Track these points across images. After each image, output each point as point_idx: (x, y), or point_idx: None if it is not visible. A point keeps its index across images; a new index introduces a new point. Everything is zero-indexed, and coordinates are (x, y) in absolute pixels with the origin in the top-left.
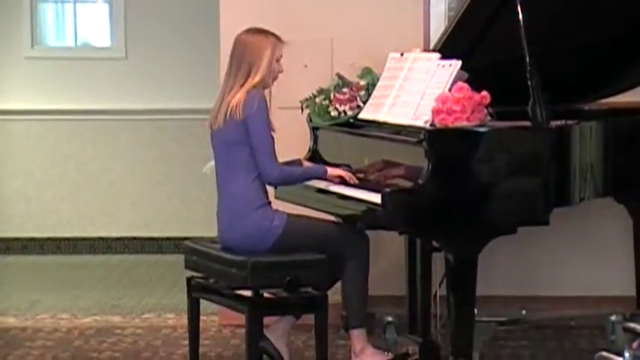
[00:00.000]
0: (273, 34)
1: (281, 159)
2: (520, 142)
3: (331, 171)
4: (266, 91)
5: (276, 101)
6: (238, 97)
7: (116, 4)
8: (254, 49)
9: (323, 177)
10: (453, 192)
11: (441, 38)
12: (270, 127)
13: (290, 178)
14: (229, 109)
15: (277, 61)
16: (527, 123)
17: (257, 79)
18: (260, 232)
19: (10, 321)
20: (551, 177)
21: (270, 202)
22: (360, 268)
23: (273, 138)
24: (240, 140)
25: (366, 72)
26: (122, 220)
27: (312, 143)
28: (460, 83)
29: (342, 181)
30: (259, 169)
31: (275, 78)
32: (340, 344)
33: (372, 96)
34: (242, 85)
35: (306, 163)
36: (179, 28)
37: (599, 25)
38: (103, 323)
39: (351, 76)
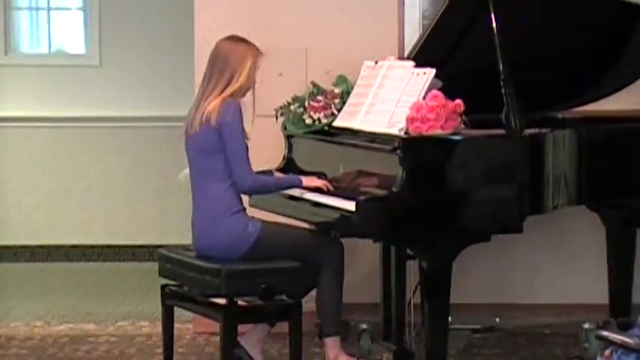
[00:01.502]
0: (253, 45)
1: (256, 167)
2: (494, 150)
3: (306, 181)
4: (248, 99)
5: (251, 109)
6: (214, 104)
7: (91, 12)
8: (237, 58)
9: (298, 187)
10: (427, 200)
11: (415, 46)
12: (244, 136)
13: (264, 188)
14: (204, 115)
15: (255, 71)
16: (501, 131)
17: (236, 87)
18: (234, 239)
19: None
20: (525, 185)
21: (244, 209)
22: (335, 275)
23: (247, 146)
24: (215, 147)
25: (341, 80)
26: (97, 227)
27: (286, 151)
28: (434, 91)
29: (317, 189)
30: (234, 178)
31: (249, 88)
32: (315, 352)
33: (347, 104)
34: (221, 93)
35: (278, 174)
36: (154, 35)
37: (573, 33)
38: (77, 331)
39: (326, 84)
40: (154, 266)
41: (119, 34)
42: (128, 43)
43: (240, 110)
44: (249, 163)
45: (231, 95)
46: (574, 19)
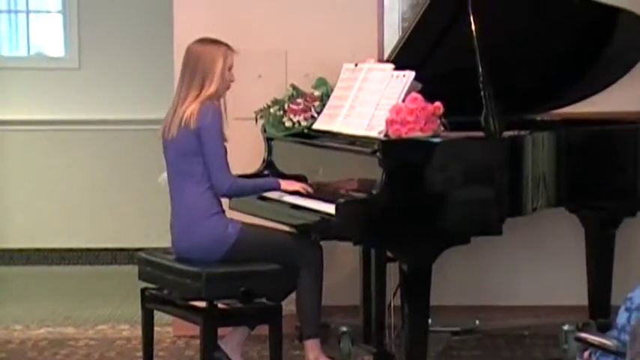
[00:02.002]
0: (224, 44)
1: (236, 170)
2: (473, 152)
3: (285, 185)
4: (221, 102)
5: (230, 112)
6: (192, 107)
7: (70, 14)
8: (206, 60)
9: (277, 190)
10: (407, 202)
11: (394, 49)
12: (223, 139)
13: (243, 190)
14: (183, 119)
15: (229, 70)
16: (481, 133)
17: (211, 89)
18: (213, 240)
19: None
20: (504, 187)
21: (223, 211)
22: (314, 278)
23: (225, 149)
24: (194, 150)
25: (321, 82)
26: (76, 230)
27: (266, 154)
28: (414, 94)
29: (297, 192)
30: (212, 181)
31: (227, 87)
32: (295, 354)
33: (327, 106)
34: (197, 96)
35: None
36: (133, 38)
37: (552, 35)
38: (56, 335)
39: (306, 87)
40: (134, 269)
41: (98, 37)
42: (107, 45)
43: (220, 113)
44: (227, 166)
45: (209, 98)
46: (552, 22)
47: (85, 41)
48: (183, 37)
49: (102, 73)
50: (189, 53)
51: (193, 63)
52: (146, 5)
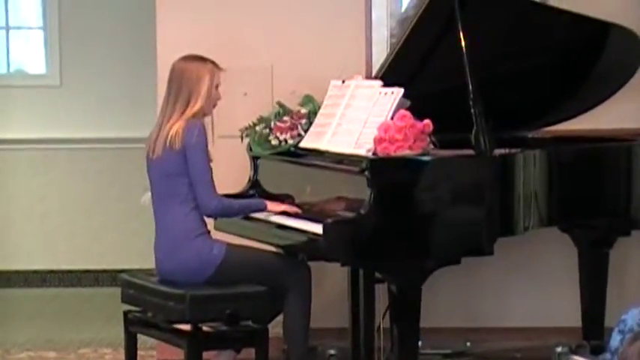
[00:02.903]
0: (210, 61)
1: (222, 189)
2: (463, 170)
3: (271, 206)
4: (207, 120)
5: (215, 130)
6: (177, 126)
7: (51, 30)
8: (192, 77)
9: (263, 211)
10: (396, 222)
11: (383, 65)
12: (208, 158)
13: (229, 211)
14: (168, 138)
15: (216, 88)
16: (471, 151)
17: (197, 107)
18: (198, 262)
19: None
20: (495, 206)
21: (209, 232)
22: (302, 300)
23: (211, 169)
24: (179, 170)
25: (307, 100)
26: (57, 252)
27: (252, 173)
28: (402, 111)
29: (282, 212)
30: (197, 201)
31: (214, 106)
32: None
33: (314, 124)
34: (182, 114)
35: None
36: (115, 55)
37: (543, 52)
38: (37, 359)
39: (292, 104)
40: (117, 292)
41: (80, 54)
42: (89, 62)
43: (205, 131)
44: (213, 186)
45: (194, 116)
46: (543, 38)
47: (66, 58)
48: (167, 54)
49: (84, 90)
50: (174, 71)
51: (178, 81)
52: (129, 22)
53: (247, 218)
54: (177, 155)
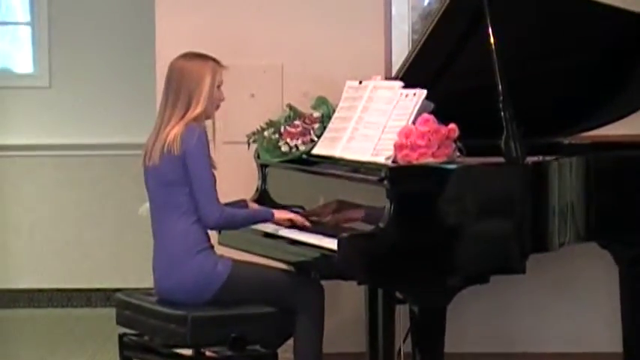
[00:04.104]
0: (211, 58)
1: (224, 200)
2: (492, 180)
3: (279, 214)
4: (209, 123)
5: (219, 135)
6: (176, 130)
7: (40, 27)
8: (192, 77)
9: (270, 220)
10: (418, 236)
11: (404, 64)
12: (211, 165)
13: (233, 222)
14: (166, 143)
15: (218, 87)
16: (501, 159)
17: (198, 110)
18: (201, 280)
19: None
20: (527, 219)
21: (212, 246)
22: (314, 322)
23: (214, 176)
24: (178, 179)
25: (321, 102)
26: (46, 268)
27: (260, 182)
28: (425, 115)
29: (293, 225)
30: (199, 212)
31: (216, 107)
32: None
33: (327, 129)
34: (182, 117)
35: (253, 205)
36: (110, 53)
37: (581, 50)
38: None
39: (304, 107)
40: (111, 312)
41: (72, 52)
42: (82, 61)
43: (206, 136)
44: (216, 195)
45: (195, 119)
46: (581, 35)
47: (56, 56)
48: (166, 52)
49: (75, 91)
50: (172, 70)
51: (177, 81)
52: (125, 17)
53: (255, 233)
54: (176, 162)
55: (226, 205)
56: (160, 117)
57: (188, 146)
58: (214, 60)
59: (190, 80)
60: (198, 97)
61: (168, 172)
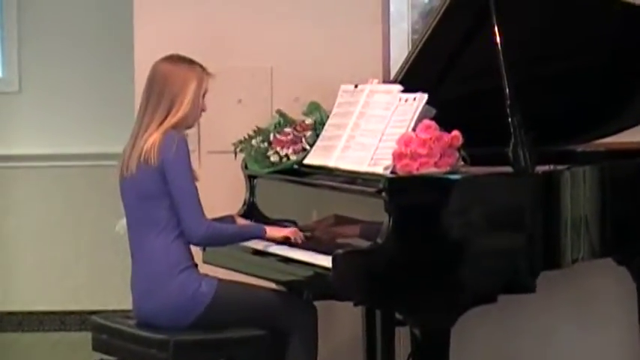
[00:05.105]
0: (198, 64)
1: (209, 215)
2: (499, 191)
3: (271, 231)
4: (193, 132)
5: (203, 144)
6: (154, 138)
7: (8, 27)
8: (177, 82)
9: (262, 238)
10: (420, 253)
11: (403, 66)
12: (192, 175)
13: (220, 238)
14: (143, 152)
15: (202, 96)
16: (508, 168)
17: (178, 116)
18: (184, 302)
19: None
20: (538, 234)
21: (196, 265)
22: (307, 346)
23: (196, 188)
24: (157, 191)
25: (313, 108)
26: (16, 290)
27: (248, 195)
28: (427, 121)
29: (285, 242)
30: (182, 227)
31: (197, 117)
32: None
33: (321, 137)
34: (160, 124)
35: (241, 220)
36: (85, 57)
37: (595, 50)
38: None
39: (295, 113)
40: (87, 337)
41: (43, 55)
42: (54, 65)
43: (187, 144)
44: (200, 208)
45: (174, 127)
46: (596, 34)
47: (26, 59)
48: (146, 55)
49: (47, 98)
50: (155, 72)
51: (160, 85)
52: (102, 18)
53: (243, 250)
54: (153, 173)
55: (213, 220)
56: (137, 123)
57: (166, 155)
58: (201, 66)
59: (175, 84)
60: (181, 103)
61: (145, 183)
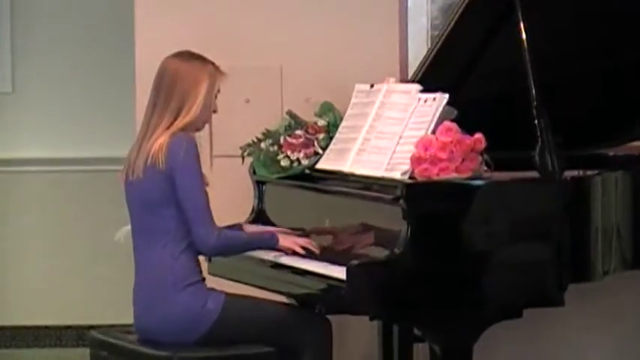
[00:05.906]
0: (210, 62)
1: (217, 222)
2: (525, 198)
3: (284, 241)
4: (204, 134)
5: (208, 147)
6: (161, 141)
7: (1, 24)
8: (189, 80)
9: (275, 247)
10: (440, 264)
11: (422, 65)
12: (203, 180)
13: (232, 247)
14: (150, 155)
15: (215, 97)
16: (534, 174)
17: (188, 118)
18: (189, 318)
19: None
20: (566, 244)
21: (203, 279)
22: None
23: (207, 194)
24: (164, 199)
25: (326, 109)
26: (9, 303)
27: (256, 201)
28: (447, 123)
29: (296, 251)
30: (192, 236)
31: (207, 119)
32: None
33: (334, 140)
34: (169, 126)
35: (250, 228)
36: (83, 56)
37: (627, 48)
38: None
39: (307, 115)
40: (85, 353)
41: (37, 55)
42: (49, 64)
43: (196, 146)
44: (211, 215)
45: (183, 129)
46: (628, 30)
47: (19, 58)
48: (148, 55)
49: (42, 99)
50: (164, 70)
51: (170, 84)
52: (100, 15)
53: (251, 261)
54: (161, 179)
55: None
56: (144, 124)
57: (176, 159)
58: (214, 64)
59: (186, 83)
60: (192, 104)
61: (151, 190)
